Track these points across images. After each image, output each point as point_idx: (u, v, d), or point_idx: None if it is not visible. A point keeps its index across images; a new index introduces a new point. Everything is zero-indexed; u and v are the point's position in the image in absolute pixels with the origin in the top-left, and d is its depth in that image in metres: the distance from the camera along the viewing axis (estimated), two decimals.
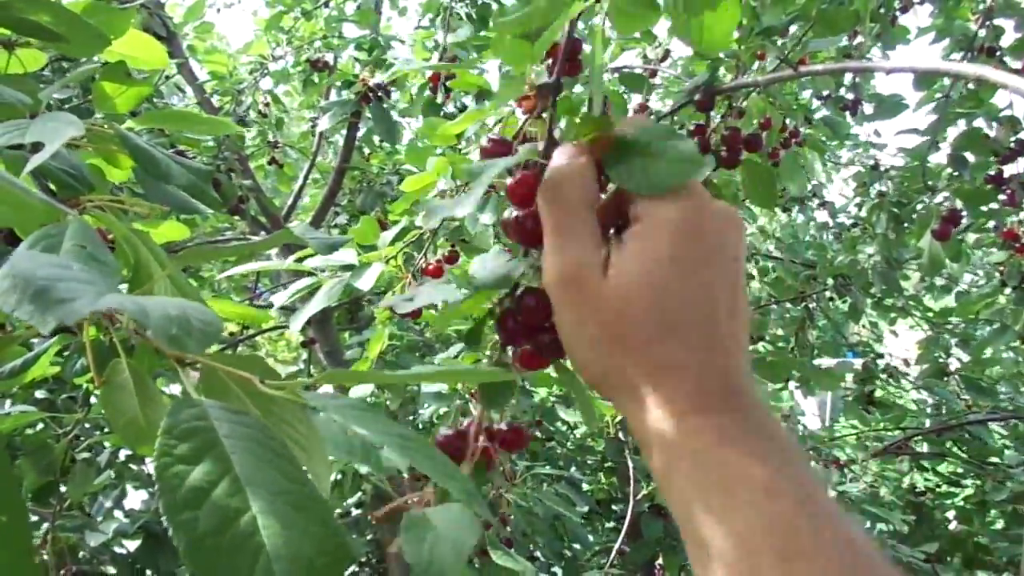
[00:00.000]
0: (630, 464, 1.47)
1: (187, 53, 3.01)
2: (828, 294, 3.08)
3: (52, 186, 0.68)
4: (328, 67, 2.95)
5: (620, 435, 1.08)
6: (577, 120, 0.54)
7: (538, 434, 3.20)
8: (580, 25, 0.72)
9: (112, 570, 1.77)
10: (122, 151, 0.76)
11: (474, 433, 0.55)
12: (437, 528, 0.43)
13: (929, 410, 3.77)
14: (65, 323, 0.28)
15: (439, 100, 2.15)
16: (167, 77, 3.02)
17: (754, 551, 0.35)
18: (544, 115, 0.61)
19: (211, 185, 0.75)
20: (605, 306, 0.42)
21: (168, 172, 0.62)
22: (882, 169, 3.06)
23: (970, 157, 1.86)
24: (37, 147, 0.52)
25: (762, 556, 0.34)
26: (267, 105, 3.40)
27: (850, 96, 2.67)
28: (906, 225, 2.88)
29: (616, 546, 1.26)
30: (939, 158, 2.12)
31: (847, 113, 2.65)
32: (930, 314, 3.59)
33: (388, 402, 2.09)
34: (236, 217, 2.89)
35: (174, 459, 0.30)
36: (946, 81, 1.97)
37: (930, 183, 2.07)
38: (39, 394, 1.86)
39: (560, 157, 0.48)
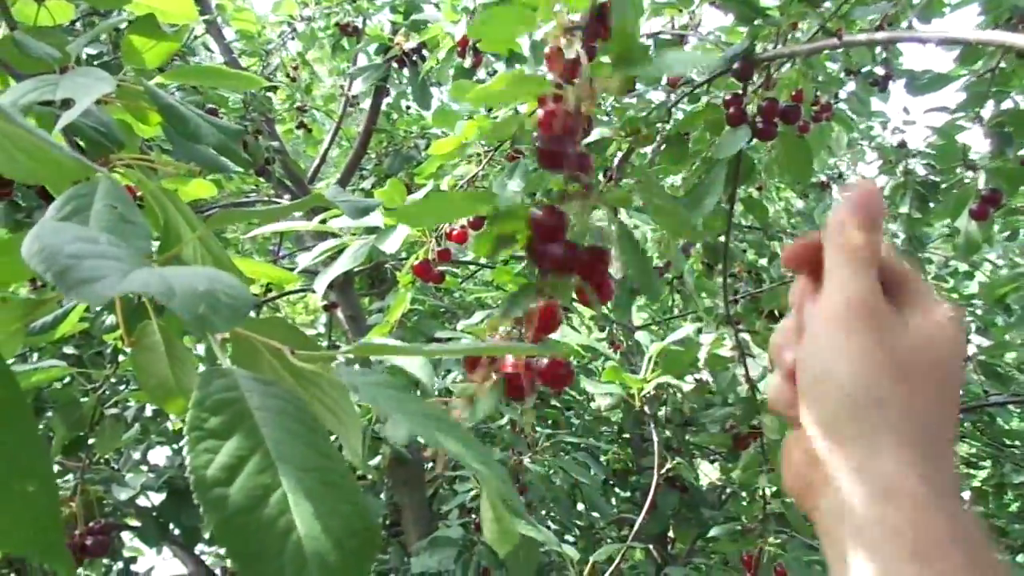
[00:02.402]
0: (655, 437, 1.46)
1: (215, 11, 2.98)
2: None
3: (81, 143, 0.67)
4: (357, 31, 2.92)
5: (646, 408, 1.08)
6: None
7: (556, 404, 3.21)
8: None
9: (136, 523, 1.81)
10: (151, 108, 0.75)
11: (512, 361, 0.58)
12: None
13: None
14: (90, 304, 0.27)
15: (468, 65, 2.12)
16: (195, 36, 3.00)
17: None
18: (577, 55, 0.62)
19: (240, 145, 0.74)
20: (900, 340, 0.42)
21: (198, 131, 0.61)
22: (910, 147, 2.99)
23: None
24: (67, 104, 0.51)
25: None
26: (296, 68, 3.37)
27: (880, 71, 2.59)
28: (931, 204, 2.81)
29: (639, 520, 1.26)
30: (966, 137, 2.06)
31: (876, 88, 2.57)
32: (955, 295, 3.53)
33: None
34: (261, 178, 2.88)
35: (205, 433, 0.29)
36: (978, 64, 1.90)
37: (970, 161, 2.00)
38: (67, 349, 1.88)
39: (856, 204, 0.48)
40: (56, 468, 1.34)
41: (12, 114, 0.31)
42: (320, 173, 3.48)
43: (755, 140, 1.29)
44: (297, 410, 0.32)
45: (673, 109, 1.42)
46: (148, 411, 2.20)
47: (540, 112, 0.61)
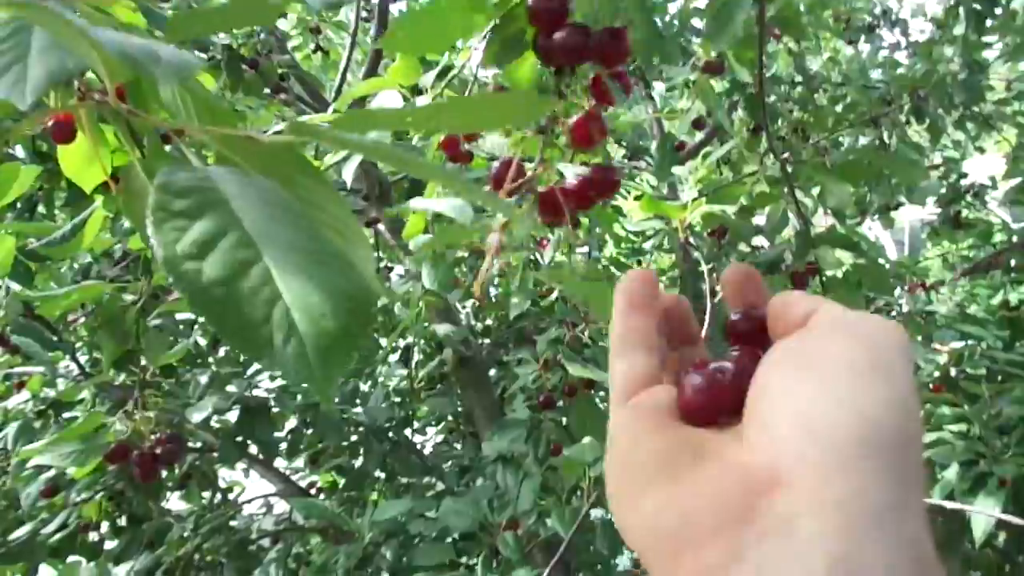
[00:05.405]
0: (706, 287, 1.42)
1: None
2: (904, 118, 2.86)
3: None
4: None
5: (691, 239, 1.04)
6: None
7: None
8: None
9: (211, 438, 1.89)
10: None
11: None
12: None
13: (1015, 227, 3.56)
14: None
15: None
16: None
17: None
18: None
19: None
20: None
21: None
22: None
23: None
24: None
25: None
26: None
27: None
28: (989, 22, 2.58)
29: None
30: None
31: None
32: (1021, 119, 3.30)
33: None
34: (281, 97, 2.83)
35: (169, 214, 0.26)
36: None
37: None
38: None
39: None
40: (116, 382, 1.38)
41: None
42: (343, 91, 3.41)
43: None
44: (284, 200, 0.29)
45: None
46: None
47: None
